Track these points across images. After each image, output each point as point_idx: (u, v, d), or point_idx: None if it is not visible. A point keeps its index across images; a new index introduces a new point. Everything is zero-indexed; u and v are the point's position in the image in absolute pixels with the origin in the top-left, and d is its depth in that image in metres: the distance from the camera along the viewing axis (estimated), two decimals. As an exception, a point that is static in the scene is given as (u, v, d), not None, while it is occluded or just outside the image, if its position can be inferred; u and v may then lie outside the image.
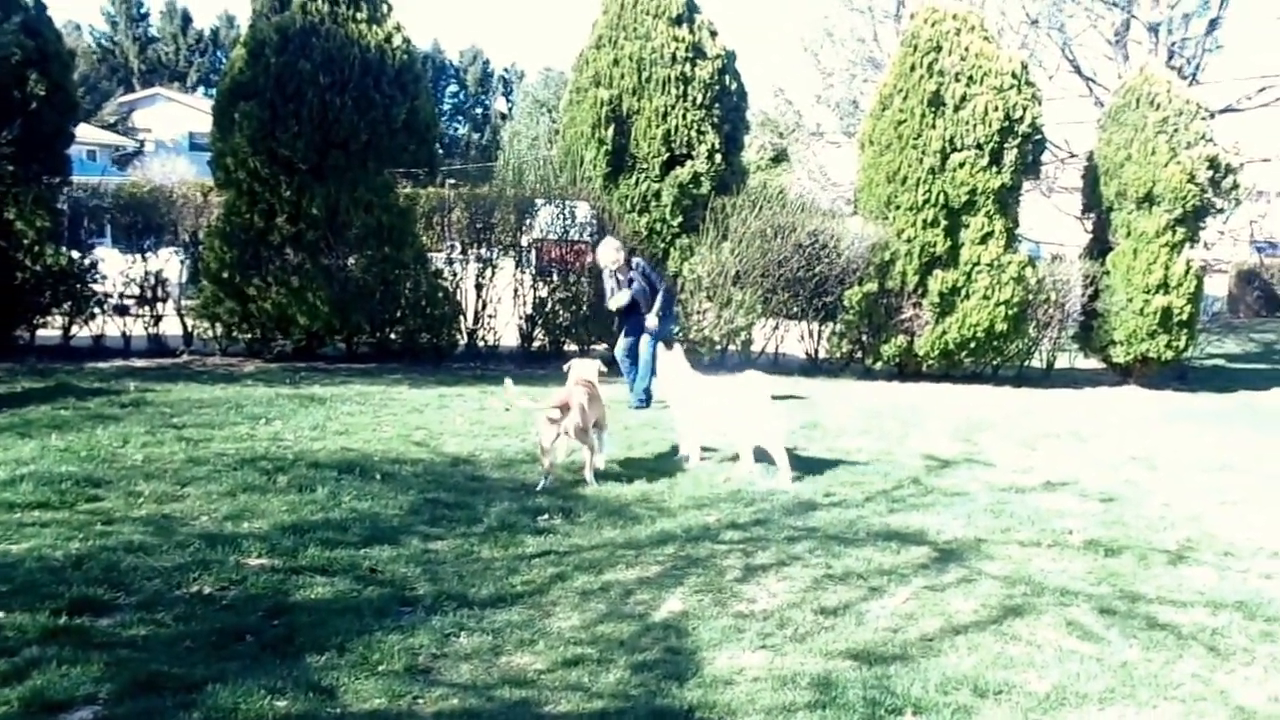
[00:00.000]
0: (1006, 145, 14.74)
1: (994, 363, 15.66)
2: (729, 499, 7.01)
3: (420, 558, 5.51)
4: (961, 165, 14.69)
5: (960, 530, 6.51)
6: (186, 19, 77.18)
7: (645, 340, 10.95)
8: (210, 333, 13.78)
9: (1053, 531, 6.60)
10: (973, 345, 15.05)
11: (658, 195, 14.82)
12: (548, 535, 6.02)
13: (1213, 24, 22.63)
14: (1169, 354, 16.11)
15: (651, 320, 10.92)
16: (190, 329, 14.09)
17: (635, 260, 11.37)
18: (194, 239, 14.06)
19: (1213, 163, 15.82)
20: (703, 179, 14.77)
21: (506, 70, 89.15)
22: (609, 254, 11.11)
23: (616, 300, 11.08)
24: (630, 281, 11.00)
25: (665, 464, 8.07)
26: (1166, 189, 15.58)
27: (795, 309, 15.11)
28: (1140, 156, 15.83)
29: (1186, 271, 15.84)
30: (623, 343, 11.35)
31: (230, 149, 13.04)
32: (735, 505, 6.86)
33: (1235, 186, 16.70)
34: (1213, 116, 16.93)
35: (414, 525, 6.08)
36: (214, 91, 16.42)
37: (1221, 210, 17.35)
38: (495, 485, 7.19)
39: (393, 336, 14.09)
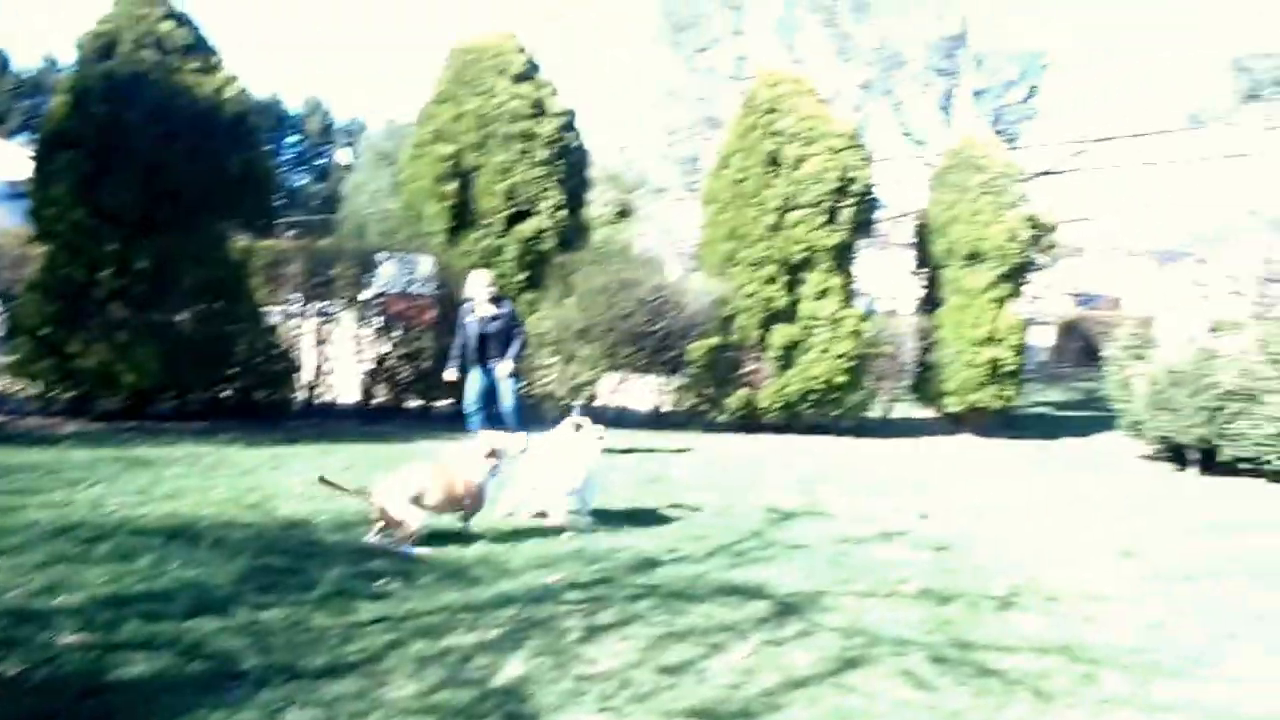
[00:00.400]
0: (841, 204, 15.25)
1: (834, 414, 16.04)
2: (571, 558, 6.95)
3: (249, 628, 5.26)
4: (799, 223, 15.13)
5: (800, 583, 6.60)
6: (5, 62, 73.65)
7: (507, 387, 11.06)
8: (28, 392, 13.01)
9: (889, 581, 6.76)
10: (813, 397, 15.42)
11: (500, 250, 14.78)
12: (384, 600, 5.83)
13: (1031, 92, 24.10)
14: (998, 403, 16.85)
15: (508, 365, 10.96)
16: (4, 388, 13.27)
17: (505, 301, 11.47)
18: (9, 293, 13.31)
19: (1033, 222, 16.73)
20: (546, 235, 14.82)
21: (350, 122, 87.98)
22: (480, 286, 11.15)
23: (450, 371, 11.31)
24: (495, 319, 11.08)
25: (507, 523, 7.96)
26: (991, 247, 16.38)
27: (640, 363, 15.22)
28: (966, 216, 16.62)
29: (1012, 325, 16.64)
30: (477, 387, 11.30)
31: (50, 199, 12.40)
32: (578, 564, 6.79)
33: (1053, 245, 17.74)
34: (1033, 178, 17.94)
35: (243, 594, 5.80)
36: (35, 138, 15.68)
37: (1042, 266, 18.36)
38: (331, 549, 6.94)
39: (227, 394, 13.55)
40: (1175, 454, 14.51)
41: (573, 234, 15.30)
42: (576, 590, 6.23)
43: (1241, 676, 5.48)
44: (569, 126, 15.36)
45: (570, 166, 15.32)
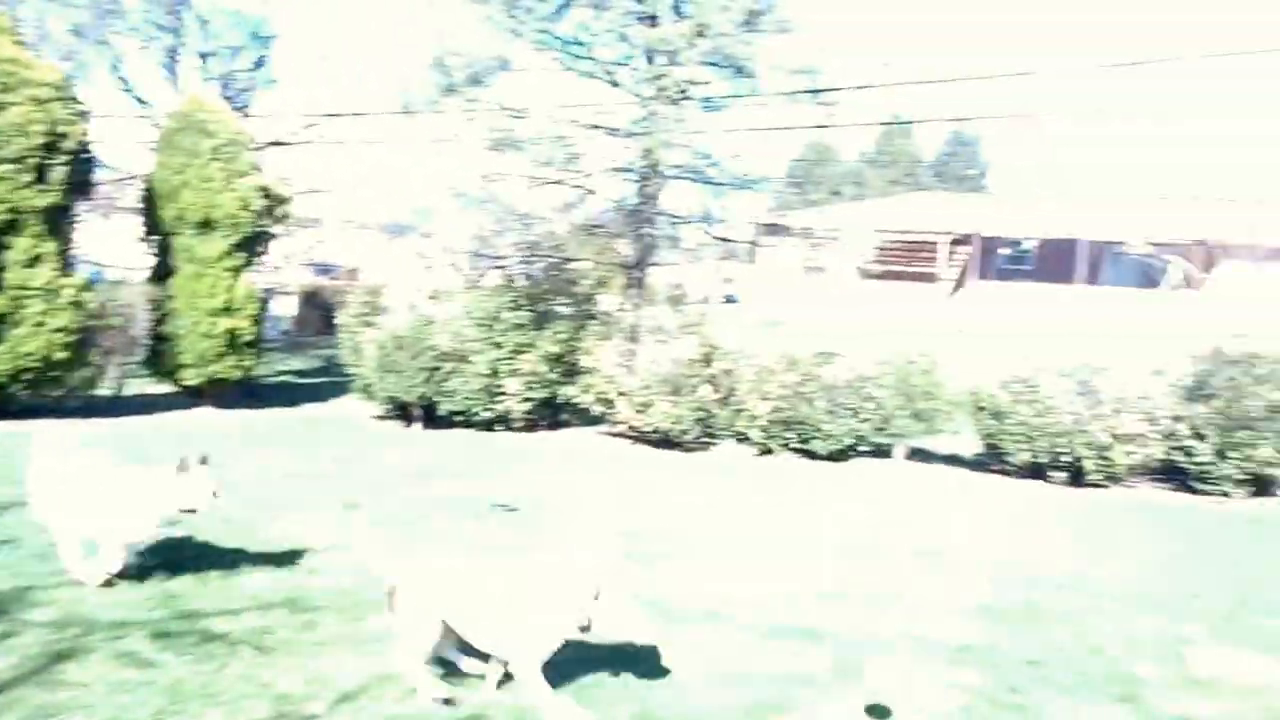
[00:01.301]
0: (52, 162, 13.80)
1: (56, 394, 14.57)
2: None
3: None
4: (1, 181, 13.44)
5: (3, 582, 5.96)
6: None
7: None
8: None
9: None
10: (28, 377, 13.84)
11: None
12: None
13: (260, 61, 24.03)
14: (238, 373, 16.60)
15: None
16: None
17: None
18: None
19: (266, 191, 16.72)
20: None
21: None
22: None
23: None
24: None
25: None
26: (224, 215, 16.04)
27: None
28: (197, 182, 16.03)
29: (248, 295, 16.51)
30: None
31: None
32: None
33: (287, 215, 17.97)
34: (265, 147, 17.93)
35: None
36: None
37: (277, 236, 18.46)
38: None
39: None
40: (402, 412, 15.67)
41: None
42: None
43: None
44: None
45: None
